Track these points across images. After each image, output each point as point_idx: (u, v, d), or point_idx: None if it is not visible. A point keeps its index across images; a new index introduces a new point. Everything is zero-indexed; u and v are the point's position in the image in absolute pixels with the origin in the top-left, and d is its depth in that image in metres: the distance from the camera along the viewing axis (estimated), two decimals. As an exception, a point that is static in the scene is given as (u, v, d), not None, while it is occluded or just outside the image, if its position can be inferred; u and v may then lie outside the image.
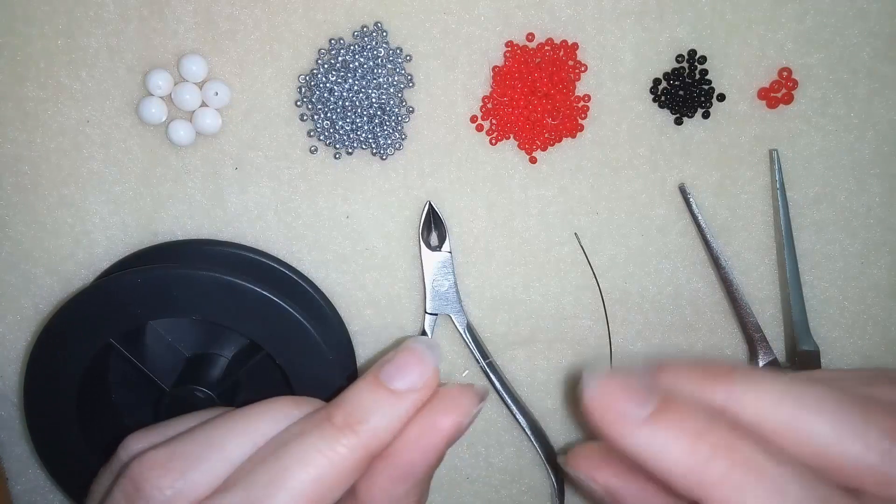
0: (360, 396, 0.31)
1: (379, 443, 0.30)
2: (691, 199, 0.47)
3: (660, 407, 0.27)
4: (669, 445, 0.26)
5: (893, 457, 0.26)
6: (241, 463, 0.30)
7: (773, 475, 0.25)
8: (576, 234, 0.48)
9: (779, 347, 0.49)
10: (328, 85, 0.46)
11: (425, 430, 0.31)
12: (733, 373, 0.28)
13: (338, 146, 0.47)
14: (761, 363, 0.47)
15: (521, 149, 0.47)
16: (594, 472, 0.31)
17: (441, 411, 0.31)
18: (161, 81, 0.46)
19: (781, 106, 0.47)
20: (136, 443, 0.33)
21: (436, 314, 0.48)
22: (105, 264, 0.48)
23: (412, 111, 0.47)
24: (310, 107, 0.46)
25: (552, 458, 0.49)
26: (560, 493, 0.50)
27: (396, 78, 0.46)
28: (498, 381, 0.48)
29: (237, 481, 0.29)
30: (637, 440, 0.27)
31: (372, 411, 0.30)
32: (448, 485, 0.51)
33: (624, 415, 0.27)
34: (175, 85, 0.46)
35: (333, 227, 0.48)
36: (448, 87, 0.47)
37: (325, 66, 0.46)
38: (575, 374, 0.50)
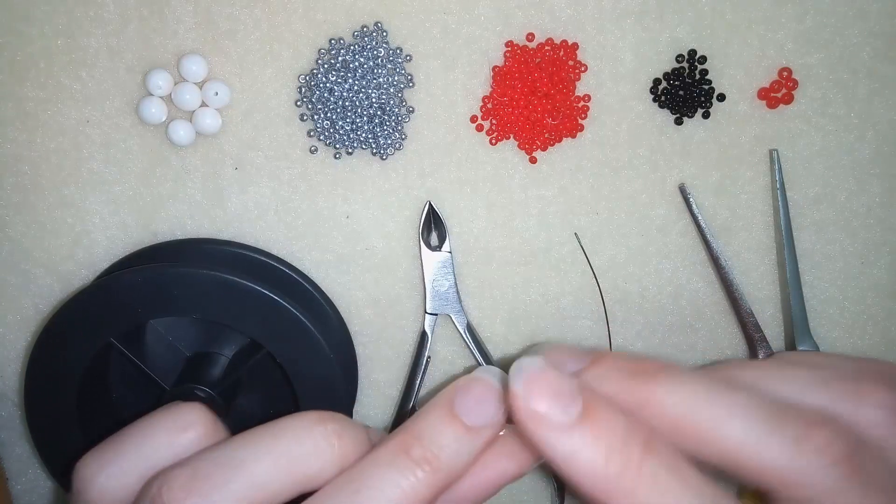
0: (434, 429, 0.30)
1: (452, 478, 0.30)
2: (691, 199, 0.47)
3: (583, 414, 0.27)
4: (585, 454, 0.27)
5: (799, 463, 0.27)
6: (317, 495, 0.29)
7: (675, 495, 0.27)
8: (576, 234, 0.48)
9: (779, 347, 0.49)
10: (328, 85, 0.46)
11: (488, 468, 0.31)
12: (658, 375, 0.29)
13: (338, 146, 0.47)
14: (761, 363, 0.47)
15: (521, 149, 0.47)
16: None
17: (508, 455, 0.31)
18: (161, 81, 0.46)
19: (781, 106, 0.47)
20: (85, 468, 0.31)
21: (436, 314, 0.48)
22: (105, 264, 0.48)
23: (412, 111, 0.47)
24: (310, 107, 0.46)
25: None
26: (560, 494, 0.50)
27: (396, 78, 0.46)
28: (498, 380, 0.48)
29: None
30: (558, 446, 0.27)
31: (447, 446, 0.29)
32: (448, 485, 0.51)
33: (548, 419, 0.27)
34: (175, 85, 0.46)
35: (333, 227, 0.48)
36: (448, 87, 0.47)
37: (325, 66, 0.46)
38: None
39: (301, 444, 0.30)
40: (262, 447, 0.30)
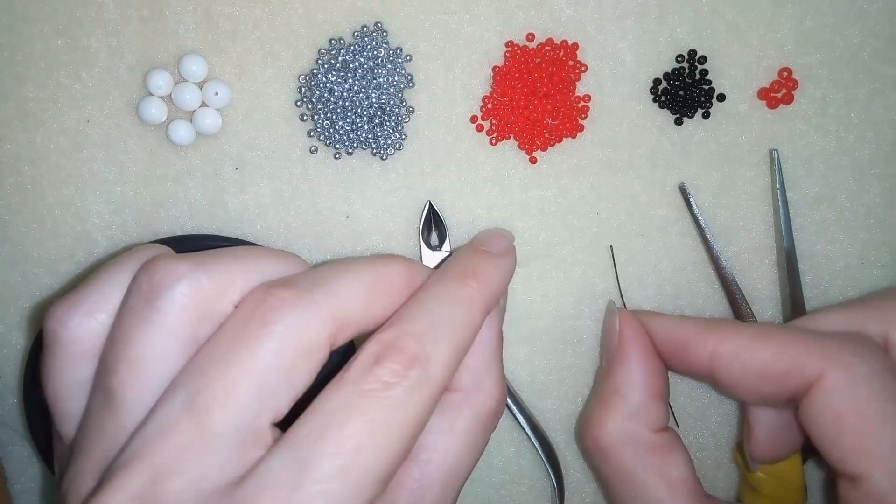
0: (470, 261, 0.39)
1: (496, 296, 0.38)
2: (691, 199, 0.47)
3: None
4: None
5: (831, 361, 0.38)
6: (401, 309, 0.35)
7: None
8: (611, 246, 0.48)
9: (779, 347, 0.49)
10: (328, 85, 0.46)
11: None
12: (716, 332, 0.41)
13: (338, 146, 0.47)
14: (761, 363, 0.47)
15: (521, 149, 0.47)
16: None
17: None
18: (161, 81, 0.46)
19: (781, 106, 0.47)
20: (55, 310, 0.34)
21: (436, 314, 0.48)
22: (105, 264, 0.48)
23: (412, 111, 0.47)
24: (310, 107, 0.47)
25: (552, 458, 0.49)
26: (560, 493, 0.50)
27: (396, 78, 0.46)
28: (498, 381, 0.48)
29: (398, 321, 0.34)
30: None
31: (484, 269, 0.38)
32: (448, 485, 0.51)
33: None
34: (175, 85, 0.46)
35: (333, 227, 0.48)
36: (448, 87, 0.47)
37: (325, 66, 0.46)
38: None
39: (387, 265, 0.36)
40: (351, 271, 0.35)
